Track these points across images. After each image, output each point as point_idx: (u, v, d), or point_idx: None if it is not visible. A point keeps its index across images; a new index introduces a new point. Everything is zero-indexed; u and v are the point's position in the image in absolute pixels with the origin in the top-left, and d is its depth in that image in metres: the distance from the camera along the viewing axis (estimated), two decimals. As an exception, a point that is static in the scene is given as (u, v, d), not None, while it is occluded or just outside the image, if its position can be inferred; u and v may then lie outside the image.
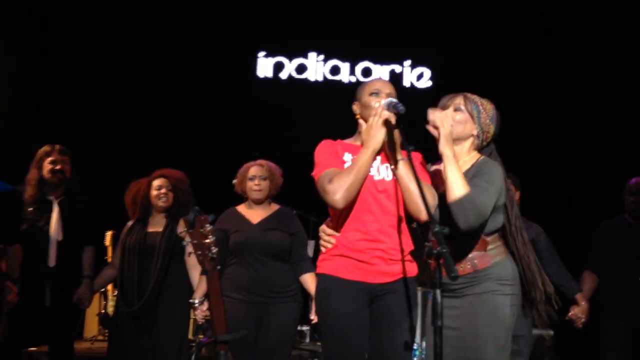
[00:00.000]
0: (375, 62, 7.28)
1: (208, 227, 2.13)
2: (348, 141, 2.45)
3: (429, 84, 7.25)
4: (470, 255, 2.24)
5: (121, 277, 3.51)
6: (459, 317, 2.22)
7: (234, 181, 4.62)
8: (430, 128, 2.24)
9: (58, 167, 3.65)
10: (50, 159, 3.66)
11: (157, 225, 3.58)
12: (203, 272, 3.32)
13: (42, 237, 3.57)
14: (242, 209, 3.49)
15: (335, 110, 6.95)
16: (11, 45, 6.09)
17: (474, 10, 6.72)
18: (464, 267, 2.23)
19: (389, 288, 2.26)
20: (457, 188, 2.14)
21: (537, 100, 6.56)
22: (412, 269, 2.32)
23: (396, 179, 2.26)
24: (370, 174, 2.28)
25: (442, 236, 1.84)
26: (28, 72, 6.17)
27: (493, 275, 2.22)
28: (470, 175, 2.24)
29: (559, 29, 6.48)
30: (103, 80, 6.55)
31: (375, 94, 2.35)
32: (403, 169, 2.24)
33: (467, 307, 2.22)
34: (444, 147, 2.19)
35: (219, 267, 2.17)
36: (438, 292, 1.82)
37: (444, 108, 2.32)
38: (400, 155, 2.24)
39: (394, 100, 2.25)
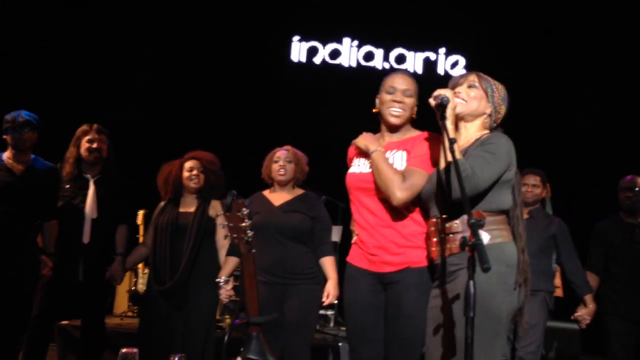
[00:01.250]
0: (410, 49, 7.19)
1: (245, 211, 2.14)
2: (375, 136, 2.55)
3: (464, 72, 7.14)
4: (461, 231, 2.11)
5: (153, 256, 3.55)
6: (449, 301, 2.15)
7: (264, 165, 4.66)
8: (431, 101, 2.19)
9: (95, 145, 3.72)
10: (87, 137, 3.72)
11: (188, 205, 3.61)
12: (229, 253, 3.38)
13: (78, 214, 3.64)
14: (267, 192, 3.52)
15: (368, 97, 6.94)
16: (49, 26, 6.19)
17: (511, -2, 6.61)
18: (455, 245, 2.12)
19: (393, 277, 2.33)
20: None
21: (578, 95, 6.43)
22: (419, 259, 2.32)
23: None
24: (356, 171, 2.47)
25: (476, 227, 1.82)
26: (66, 53, 6.27)
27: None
28: (474, 146, 2.19)
29: (601, 19, 6.32)
30: (139, 62, 6.61)
31: (391, 92, 2.35)
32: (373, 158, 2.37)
33: (455, 292, 2.10)
34: (445, 120, 2.12)
35: (253, 251, 2.18)
36: (471, 283, 1.80)
37: (455, 86, 2.29)
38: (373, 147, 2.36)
39: (441, 92, 2.22)
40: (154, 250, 3.56)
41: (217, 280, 3.32)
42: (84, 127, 3.79)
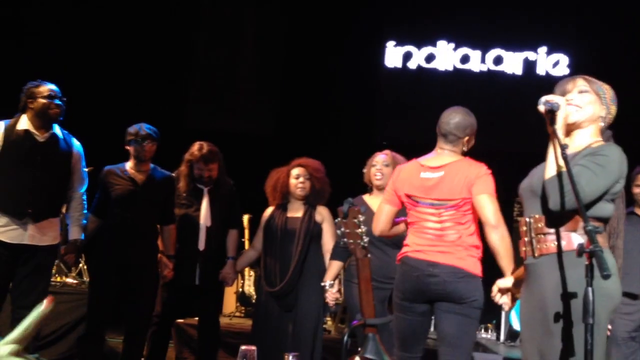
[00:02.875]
0: (508, 49, 7.04)
1: (361, 218, 2.24)
2: None
3: (566, 71, 6.90)
4: (563, 234, 2.07)
5: (264, 260, 3.74)
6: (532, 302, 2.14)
7: (365, 170, 4.75)
8: (540, 107, 2.14)
9: (204, 173, 3.85)
10: (197, 165, 3.84)
11: (296, 211, 3.77)
12: (332, 257, 3.49)
13: (193, 222, 3.88)
14: (367, 197, 3.62)
15: (465, 101, 6.89)
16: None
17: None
18: (547, 245, 2.09)
19: None
20: (550, 169, 2.08)
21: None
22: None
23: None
24: None
25: (594, 234, 1.81)
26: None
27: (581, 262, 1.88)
28: (582, 155, 2.13)
29: None
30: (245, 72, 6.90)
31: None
32: None
33: (544, 293, 2.07)
34: (554, 125, 2.09)
35: (369, 256, 2.28)
36: (590, 290, 1.80)
37: (564, 93, 2.23)
38: None
39: (551, 98, 2.20)
40: (265, 254, 3.74)
41: (323, 284, 3.44)
42: (195, 153, 3.83)
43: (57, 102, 3.43)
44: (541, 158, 2.23)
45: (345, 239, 2.31)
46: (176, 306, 3.94)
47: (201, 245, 3.87)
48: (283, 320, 3.60)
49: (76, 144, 3.61)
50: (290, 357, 2.94)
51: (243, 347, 2.85)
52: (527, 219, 2.19)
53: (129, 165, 3.82)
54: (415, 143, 6.81)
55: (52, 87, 3.46)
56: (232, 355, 4.59)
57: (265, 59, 7.19)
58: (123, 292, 3.69)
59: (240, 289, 5.53)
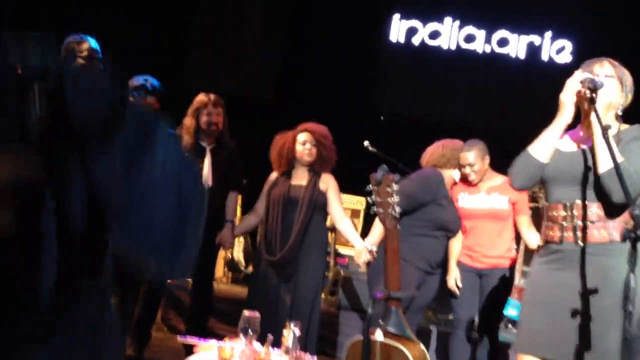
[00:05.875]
0: (513, 31, 6.96)
1: (394, 187, 2.15)
2: None
3: (569, 58, 6.86)
4: (609, 223, 2.06)
5: (265, 227, 3.62)
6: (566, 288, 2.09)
7: (365, 143, 4.65)
8: (578, 85, 2.06)
9: (213, 119, 3.79)
10: (206, 110, 3.79)
11: (300, 178, 3.65)
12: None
13: (195, 181, 3.76)
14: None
15: (466, 81, 6.85)
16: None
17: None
18: (598, 233, 2.06)
19: None
20: (604, 159, 2.01)
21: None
22: None
23: None
24: None
25: None
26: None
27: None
28: (627, 139, 2.09)
29: None
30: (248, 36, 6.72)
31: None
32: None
33: (590, 280, 2.04)
34: (594, 104, 2.02)
35: (398, 227, 2.19)
36: (632, 276, 1.74)
37: (591, 74, 2.15)
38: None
39: (591, 75, 2.11)
40: (266, 222, 3.63)
41: (368, 246, 3.33)
42: (203, 99, 3.84)
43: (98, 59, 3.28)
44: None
45: (375, 208, 2.22)
46: (170, 267, 3.82)
47: (202, 206, 3.74)
48: (281, 290, 3.50)
49: None
50: (292, 325, 2.88)
51: (246, 313, 2.78)
52: (566, 204, 2.13)
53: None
54: (413, 119, 6.81)
55: (93, 44, 3.28)
56: (220, 320, 4.51)
57: (270, 26, 7.02)
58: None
59: (230, 255, 5.44)
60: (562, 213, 2.14)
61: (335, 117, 6.52)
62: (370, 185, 2.25)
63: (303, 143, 3.64)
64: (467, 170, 3.51)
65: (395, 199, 2.15)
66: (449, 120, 6.44)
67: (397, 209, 2.17)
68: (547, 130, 2.17)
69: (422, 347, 2.16)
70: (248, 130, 5.23)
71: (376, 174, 2.18)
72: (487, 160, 3.56)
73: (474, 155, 3.50)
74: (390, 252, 2.17)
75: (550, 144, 2.16)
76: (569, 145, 2.24)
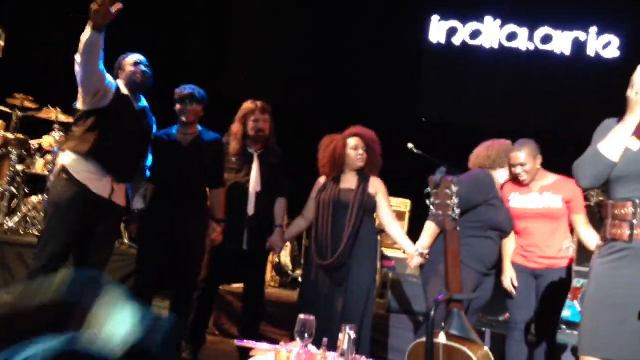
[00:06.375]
0: (557, 28, 6.83)
1: (454, 189, 2.13)
2: None
3: (617, 54, 6.70)
4: None
5: (315, 231, 3.63)
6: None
7: (409, 145, 4.63)
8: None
9: (260, 125, 3.83)
10: (253, 117, 3.84)
11: (349, 182, 3.66)
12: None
13: (243, 187, 3.80)
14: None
15: (510, 80, 6.75)
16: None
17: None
18: None
19: None
20: None
21: None
22: None
23: None
24: None
25: None
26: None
27: None
28: None
29: None
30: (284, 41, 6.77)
31: None
32: None
33: None
34: None
35: (458, 228, 2.18)
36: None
37: None
38: None
39: None
40: (316, 226, 3.63)
41: (419, 249, 3.31)
42: (250, 106, 3.87)
43: (142, 69, 3.43)
44: (587, 143, 2.21)
45: (434, 210, 2.20)
46: (222, 271, 3.87)
47: (250, 211, 3.79)
48: (332, 294, 3.50)
49: (154, 120, 3.65)
50: (348, 329, 2.88)
51: (302, 317, 2.80)
52: (636, 201, 2.10)
53: (176, 128, 3.74)
54: (455, 121, 6.74)
55: (138, 56, 3.49)
56: (269, 324, 4.54)
57: (308, 30, 7.05)
58: (170, 256, 3.63)
59: (277, 260, 5.47)
60: (632, 210, 2.09)
61: (375, 120, 6.53)
62: (429, 188, 2.23)
63: (355, 148, 3.64)
64: (519, 170, 3.45)
65: (455, 200, 2.13)
66: (492, 121, 6.36)
67: (457, 211, 2.15)
68: (617, 128, 2.12)
69: (487, 349, 2.14)
70: (289, 136, 5.27)
71: (435, 177, 2.17)
72: (539, 160, 3.50)
73: (525, 155, 3.45)
74: (451, 254, 2.15)
75: (621, 143, 2.11)
76: (635, 142, 2.19)
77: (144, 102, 3.52)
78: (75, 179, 3.21)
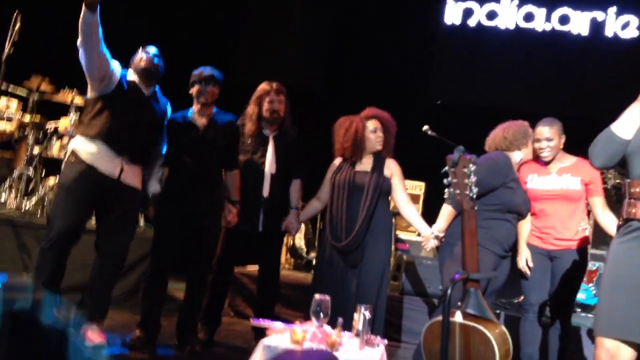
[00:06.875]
0: (575, 8, 6.73)
1: (472, 167, 2.12)
2: None
3: (635, 34, 6.59)
4: None
5: (330, 213, 3.63)
6: None
7: (425, 127, 4.60)
8: None
9: (275, 106, 3.83)
10: (268, 98, 3.84)
11: (364, 164, 3.64)
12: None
13: (258, 169, 3.81)
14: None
15: (526, 62, 6.67)
16: None
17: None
18: None
19: None
20: None
21: None
22: None
23: None
24: None
25: None
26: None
27: None
28: None
29: None
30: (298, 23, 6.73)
31: None
32: None
33: None
34: None
35: (476, 208, 2.17)
36: None
37: None
38: None
39: None
40: (331, 208, 3.63)
41: (436, 233, 3.31)
42: (265, 87, 3.87)
43: (149, 56, 3.47)
44: (604, 124, 2.19)
45: (451, 189, 2.19)
46: (237, 253, 3.89)
47: (265, 192, 3.80)
48: (347, 276, 3.51)
49: (169, 106, 3.68)
50: (363, 309, 2.90)
51: (317, 296, 2.81)
52: None
53: (191, 110, 3.74)
54: (470, 104, 6.69)
55: (150, 47, 3.55)
56: (283, 305, 4.58)
57: (320, 11, 7.01)
58: (185, 238, 3.65)
59: (291, 242, 5.50)
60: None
61: (390, 102, 6.49)
62: (447, 167, 2.22)
63: (374, 131, 3.63)
64: (544, 144, 3.41)
65: (473, 179, 2.12)
66: (507, 103, 6.31)
67: (475, 190, 2.14)
68: (631, 107, 2.11)
69: (503, 328, 2.14)
70: (301, 119, 5.27)
71: (452, 155, 2.16)
72: (563, 139, 3.47)
73: (553, 131, 3.41)
74: (468, 233, 2.14)
75: (634, 122, 2.09)
76: None
77: (155, 90, 3.56)
78: (81, 160, 3.29)
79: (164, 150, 3.68)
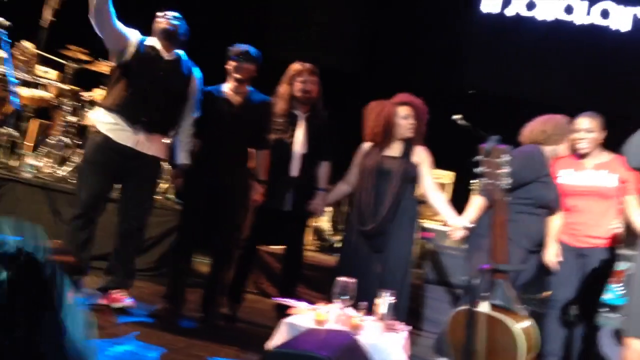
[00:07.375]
0: (618, 2, 6.56)
1: (505, 158, 2.10)
2: None
3: (676, 31, 6.41)
4: None
5: (357, 197, 3.63)
6: None
7: (455, 116, 4.55)
8: None
9: (308, 87, 3.82)
10: (301, 78, 3.83)
11: (393, 150, 3.62)
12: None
13: (287, 149, 3.81)
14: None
15: (563, 56, 6.54)
16: None
17: None
18: None
19: None
20: None
21: None
22: None
23: None
24: None
25: None
26: None
27: None
28: None
29: None
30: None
31: None
32: None
33: None
34: None
35: (507, 199, 2.15)
36: None
37: None
38: None
39: None
40: (358, 192, 3.63)
41: (466, 224, 3.30)
42: (298, 67, 3.86)
43: (167, 18, 3.51)
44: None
45: (483, 179, 2.18)
46: (264, 231, 3.92)
47: (294, 172, 3.81)
48: (372, 260, 3.51)
49: (198, 73, 3.69)
50: (387, 294, 2.91)
51: (342, 279, 2.83)
52: None
53: (226, 86, 3.74)
54: (503, 95, 6.59)
55: (170, 12, 3.58)
56: (307, 286, 4.60)
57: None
58: (213, 213, 3.68)
59: (317, 224, 5.52)
60: None
61: (422, 90, 6.42)
62: (479, 156, 2.20)
63: (405, 117, 3.60)
64: (583, 135, 3.35)
65: (505, 169, 2.10)
66: (541, 96, 6.20)
67: (507, 181, 2.12)
68: None
69: (531, 322, 2.13)
70: (334, 102, 5.25)
71: (486, 145, 2.14)
72: (604, 134, 3.40)
73: (594, 122, 3.35)
74: (499, 224, 2.13)
75: None
76: None
77: (180, 54, 3.59)
78: (98, 131, 3.43)
79: (195, 121, 3.68)
